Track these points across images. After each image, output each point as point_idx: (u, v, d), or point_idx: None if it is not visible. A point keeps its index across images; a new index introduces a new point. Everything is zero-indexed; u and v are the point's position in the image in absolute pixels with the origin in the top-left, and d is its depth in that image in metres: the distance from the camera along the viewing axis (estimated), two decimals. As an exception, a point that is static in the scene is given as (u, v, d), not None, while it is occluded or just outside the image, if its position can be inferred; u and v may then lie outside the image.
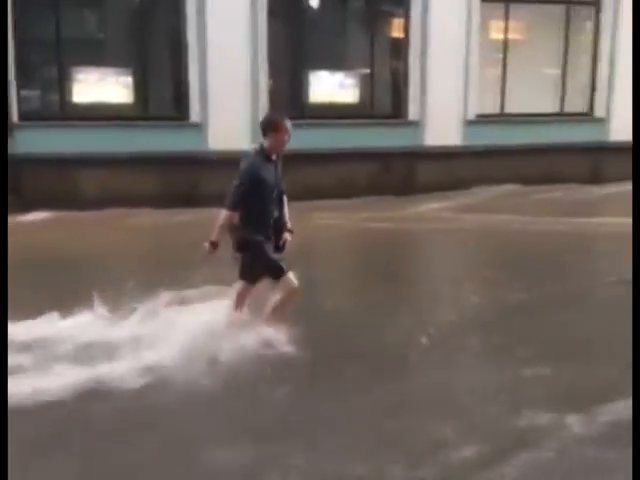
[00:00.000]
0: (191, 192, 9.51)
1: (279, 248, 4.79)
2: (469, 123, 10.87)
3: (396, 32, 10.98)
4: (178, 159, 9.51)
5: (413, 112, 10.64)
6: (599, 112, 11.51)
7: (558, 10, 11.33)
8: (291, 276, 4.71)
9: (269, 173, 4.65)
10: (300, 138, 10.00)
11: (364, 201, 9.88)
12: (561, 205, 9.93)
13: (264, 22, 9.83)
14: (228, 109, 9.72)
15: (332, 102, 10.78)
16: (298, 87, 10.64)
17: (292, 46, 10.64)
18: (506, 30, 11.16)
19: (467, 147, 10.71)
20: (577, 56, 11.57)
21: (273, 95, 10.20)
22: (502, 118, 11.13)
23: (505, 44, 11.15)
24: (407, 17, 10.56)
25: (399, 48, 10.77)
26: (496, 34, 11.23)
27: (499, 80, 11.14)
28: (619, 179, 10.93)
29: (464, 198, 10.02)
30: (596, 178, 11.11)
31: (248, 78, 9.86)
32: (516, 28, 11.34)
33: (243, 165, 4.65)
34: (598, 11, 11.29)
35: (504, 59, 11.15)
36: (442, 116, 10.70)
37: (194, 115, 9.82)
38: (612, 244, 7.56)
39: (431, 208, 9.43)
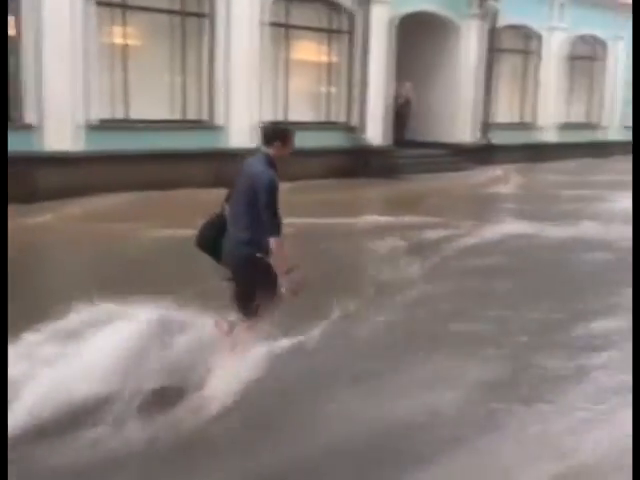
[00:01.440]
0: None
1: None
2: (91, 128, 10.73)
3: (9, 29, 10.32)
4: None
5: (28, 115, 10.16)
6: (218, 120, 12.23)
7: (176, 20, 11.77)
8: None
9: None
10: None
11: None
12: (186, 208, 10.29)
13: None
14: None
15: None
16: None
17: None
18: (125, 36, 11.27)
19: (90, 152, 10.58)
20: (197, 65, 12.13)
21: None
22: (125, 124, 11.19)
23: (126, 50, 11.25)
24: (18, 14, 10.03)
25: (12, 47, 10.13)
26: (116, 39, 11.26)
27: (122, 86, 11.21)
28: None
29: (87, 205, 9.87)
30: (218, 182, 11.81)
31: None
32: (137, 35, 11.53)
33: (265, 176, 3.99)
34: (212, 23, 11.95)
35: (126, 65, 11.23)
36: (62, 120, 10.41)
37: None
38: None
39: (51, 217, 9.10)
